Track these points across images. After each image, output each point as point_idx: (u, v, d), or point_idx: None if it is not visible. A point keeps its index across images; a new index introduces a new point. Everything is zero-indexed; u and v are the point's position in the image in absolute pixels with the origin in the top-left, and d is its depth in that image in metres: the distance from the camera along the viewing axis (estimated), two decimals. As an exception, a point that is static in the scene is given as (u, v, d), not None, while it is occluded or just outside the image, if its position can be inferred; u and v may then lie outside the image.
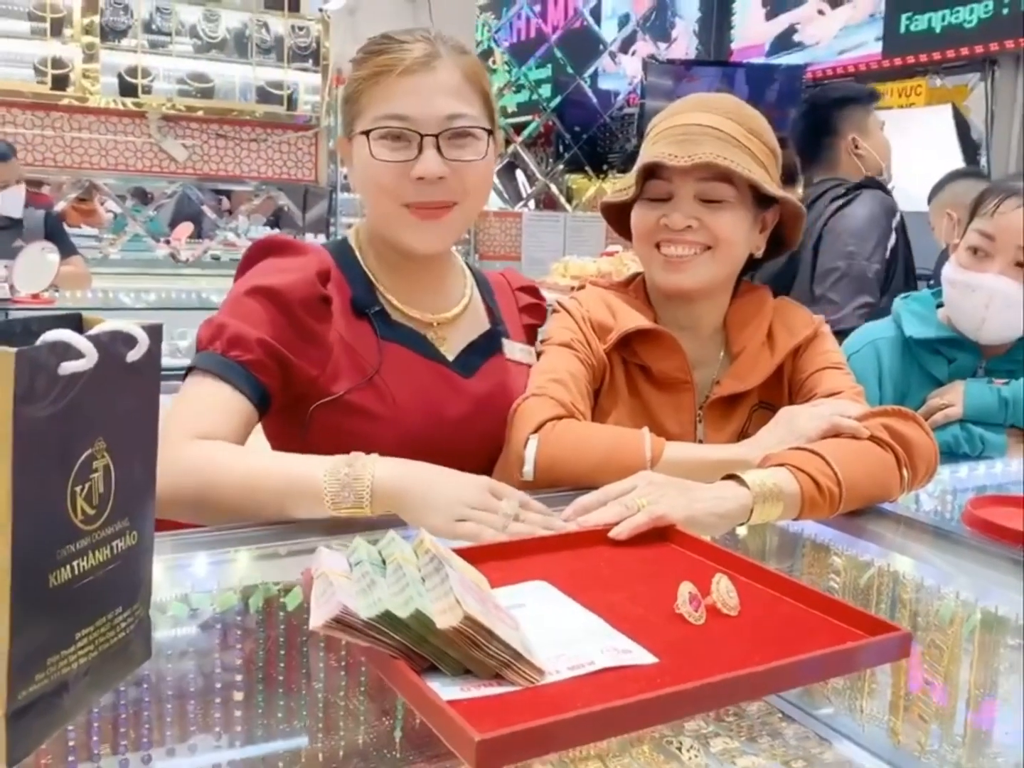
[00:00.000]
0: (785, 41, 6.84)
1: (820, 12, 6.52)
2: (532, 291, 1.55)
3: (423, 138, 1.23)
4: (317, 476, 1.04)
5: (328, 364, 1.24)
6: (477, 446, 1.32)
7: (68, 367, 0.55)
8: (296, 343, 1.22)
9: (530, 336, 1.51)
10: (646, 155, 1.35)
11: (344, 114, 1.32)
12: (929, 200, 3.73)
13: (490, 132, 1.29)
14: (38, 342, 0.54)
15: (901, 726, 1.07)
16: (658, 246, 1.38)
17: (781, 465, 1.14)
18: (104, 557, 0.61)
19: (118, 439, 0.61)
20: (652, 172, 1.35)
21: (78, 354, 0.55)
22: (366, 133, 1.24)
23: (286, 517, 1.07)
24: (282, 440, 1.30)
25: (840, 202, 2.52)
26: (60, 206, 5.39)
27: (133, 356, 0.61)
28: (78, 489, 0.58)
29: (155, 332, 0.63)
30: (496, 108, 1.34)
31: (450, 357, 1.34)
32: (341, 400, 1.24)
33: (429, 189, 1.24)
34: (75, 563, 0.58)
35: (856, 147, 2.62)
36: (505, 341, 1.42)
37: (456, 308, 1.38)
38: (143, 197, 6.20)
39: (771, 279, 1.61)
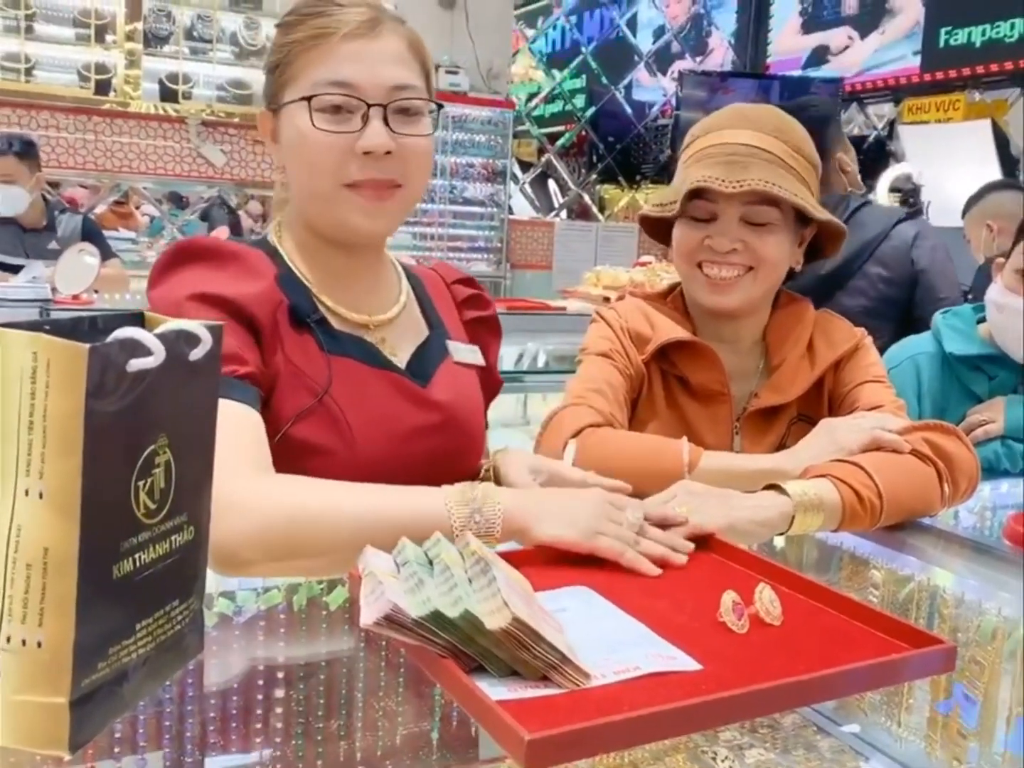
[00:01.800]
0: (822, 55, 6.82)
1: (849, 38, 6.50)
2: (469, 283, 1.39)
3: (369, 108, 1.09)
4: (439, 505, 0.96)
5: (276, 390, 1.08)
6: (444, 463, 1.18)
7: (136, 364, 0.56)
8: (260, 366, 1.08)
9: (476, 332, 1.36)
10: (691, 175, 1.35)
11: (269, 84, 1.17)
12: (964, 212, 3.69)
13: (439, 107, 1.18)
14: (109, 339, 0.56)
15: (938, 743, 1.07)
16: (699, 265, 1.38)
17: (823, 476, 1.14)
18: (163, 551, 0.62)
19: (179, 436, 0.63)
20: (697, 192, 1.35)
21: (147, 351, 0.57)
22: (307, 99, 1.09)
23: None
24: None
25: (917, 227, 2.48)
26: (99, 209, 5.48)
27: (196, 355, 0.63)
28: (141, 484, 0.59)
29: (217, 332, 0.65)
30: (433, 83, 1.21)
31: (400, 365, 1.20)
32: (287, 436, 1.08)
33: (375, 165, 1.10)
34: (137, 556, 0.60)
35: (844, 165, 2.60)
36: (448, 343, 1.28)
37: (394, 308, 1.23)
38: (177, 201, 6.29)
39: (810, 292, 1.60)
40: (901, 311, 2.39)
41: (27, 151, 3.90)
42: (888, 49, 6.34)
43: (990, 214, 3.38)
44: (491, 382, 1.37)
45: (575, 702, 0.65)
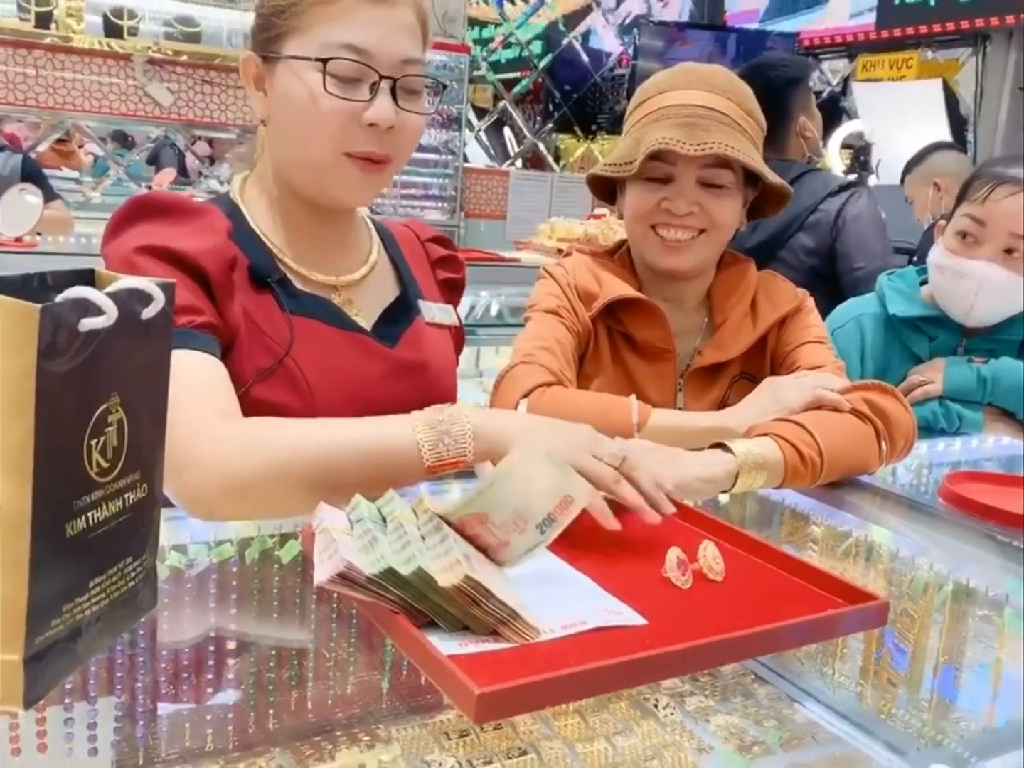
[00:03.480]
0: (781, 6, 6.80)
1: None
2: (443, 242, 1.38)
3: (380, 80, 1.07)
4: (407, 430, 0.95)
5: (234, 348, 1.07)
6: None
7: (88, 323, 0.56)
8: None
9: (447, 292, 1.35)
10: (649, 136, 1.35)
11: (263, 28, 1.11)
12: (905, 174, 3.73)
13: (443, 87, 1.17)
14: (60, 298, 0.55)
15: (869, 690, 1.11)
16: (653, 227, 1.39)
17: (766, 435, 1.17)
18: (116, 509, 0.62)
19: (132, 394, 0.63)
20: (654, 153, 1.36)
21: (99, 311, 0.56)
22: (322, 61, 1.05)
23: (371, 485, 0.92)
24: None
25: (844, 198, 2.48)
26: (41, 147, 5.31)
27: (148, 313, 0.62)
28: (94, 443, 0.59)
29: (169, 289, 0.65)
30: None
31: (366, 326, 1.18)
32: (247, 395, 1.06)
33: (376, 138, 1.08)
34: (90, 514, 0.60)
35: (804, 130, 2.61)
36: (421, 303, 1.26)
37: (363, 268, 1.22)
38: (124, 141, 6.11)
39: (753, 252, 1.62)
40: (828, 282, 2.42)
41: None
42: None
43: (937, 173, 3.43)
44: (459, 338, 1.37)
45: (524, 656, 0.67)
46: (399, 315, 1.23)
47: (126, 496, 0.63)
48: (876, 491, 1.25)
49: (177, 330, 0.96)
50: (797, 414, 1.23)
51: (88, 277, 0.66)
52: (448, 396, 1.26)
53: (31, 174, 3.88)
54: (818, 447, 1.16)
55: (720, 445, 1.13)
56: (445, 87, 1.17)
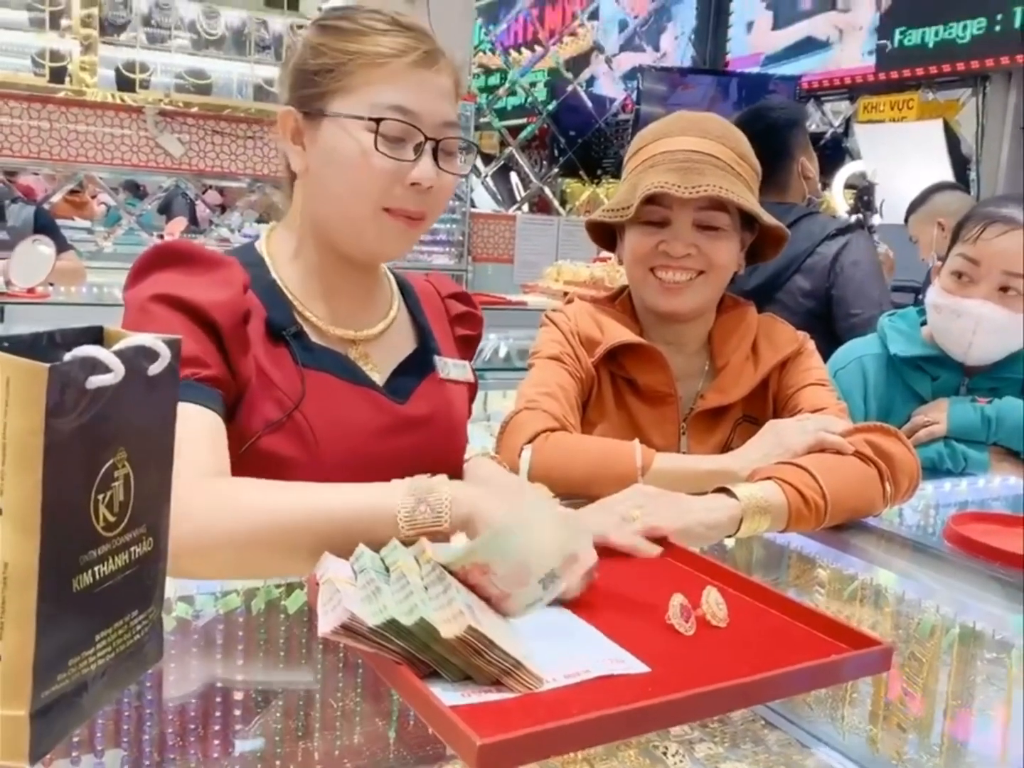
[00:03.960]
0: (784, 52, 6.88)
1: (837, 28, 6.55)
2: (464, 298, 1.39)
3: (426, 141, 1.11)
4: (387, 497, 0.95)
5: (244, 400, 1.07)
6: None
7: (96, 381, 0.57)
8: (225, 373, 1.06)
9: (463, 349, 1.36)
10: (645, 181, 1.38)
11: (306, 84, 1.13)
12: (909, 214, 3.76)
13: (477, 150, 1.22)
14: (68, 357, 0.57)
15: (880, 735, 1.10)
16: (652, 270, 1.41)
17: (769, 478, 1.17)
18: (122, 563, 0.63)
19: (138, 449, 0.64)
20: (651, 198, 1.38)
21: (106, 369, 0.58)
22: (375, 120, 1.08)
23: (347, 550, 0.91)
24: None
25: (842, 243, 2.49)
26: (55, 198, 5.39)
27: (154, 370, 0.64)
28: (100, 497, 0.60)
29: (175, 346, 0.66)
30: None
31: (379, 380, 1.19)
32: (254, 447, 1.07)
33: (415, 197, 1.12)
34: (96, 568, 0.60)
35: (806, 170, 2.63)
36: (437, 359, 1.27)
37: (382, 323, 1.23)
38: (135, 190, 6.20)
39: (751, 295, 1.63)
40: (825, 325, 2.42)
41: None
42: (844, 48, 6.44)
43: (940, 213, 3.46)
44: (472, 389, 1.37)
45: (527, 706, 0.67)
46: (414, 370, 1.23)
47: (132, 550, 0.64)
48: (882, 533, 1.25)
49: (185, 382, 0.97)
50: (800, 457, 1.23)
51: (96, 335, 0.67)
52: (457, 452, 1.27)
53: (44, 225, 3.93)
54: (821, 490, 1.17)
55: (723, 490, 1.13)
56: (477, 148, 1.20)
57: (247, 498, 0.95)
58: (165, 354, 0.64)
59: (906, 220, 3.76)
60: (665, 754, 1.02)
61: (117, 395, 0.60)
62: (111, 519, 0.62)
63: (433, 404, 1.22)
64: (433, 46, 1.13)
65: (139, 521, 0.65)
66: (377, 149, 1.09)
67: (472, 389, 1.36)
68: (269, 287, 1.15)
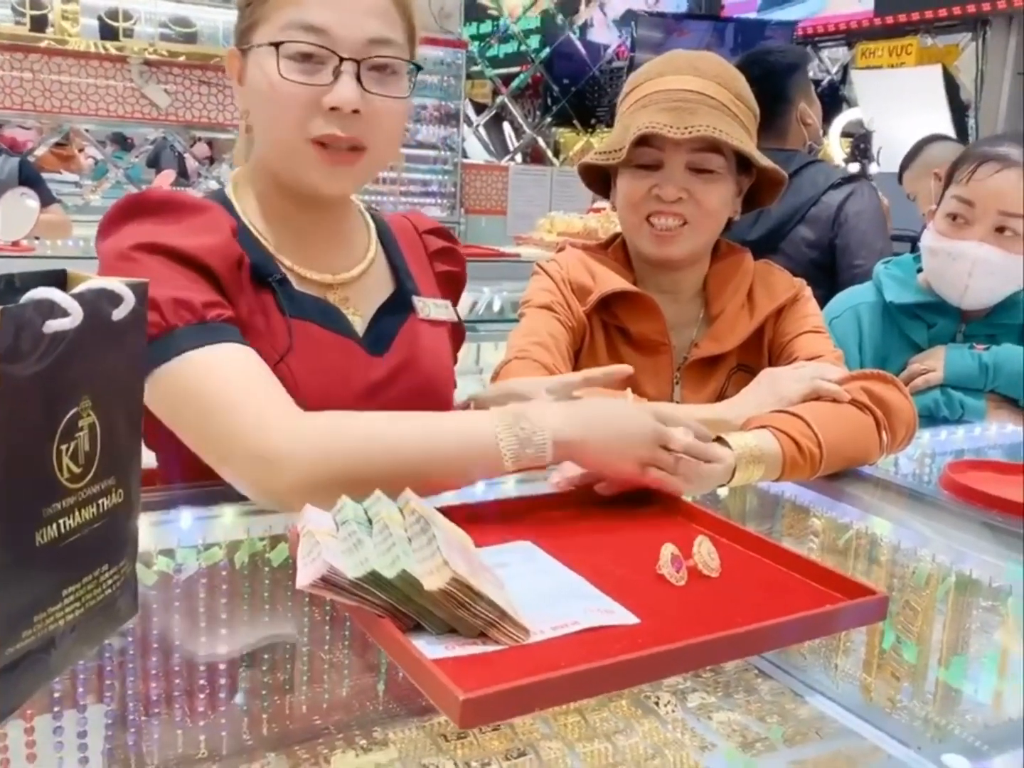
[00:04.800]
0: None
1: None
2: (442, 233, 1.34)
3: (342, 61, 1.03)
4: (489, 435, 0.93)
5: None
6: None
7: (53, 325, 0.55)
8: None
9: (445, 286, 1.31)
10: (636, 121, 1.33)
11: (239, 21, 1.10)
12: (902, 170, 3.71)
13: (417, 69, 1.12)
14: (23, 299, 0.54)
15: (874, 683, 1.10)
16: (648, 217, 1.38)
17: (763, 427, 1.15)
18: (90, 515, 0.61)
19: (104, 398, 0.61)
20: (642, 139, 1.34)
21: (63, 312, 0.55)
22: (275, 45, 1.02)
23: (452, 483, 0.96)
24: (162, 442, 1.04)
25: (846, 192, 2.45)
26: (40, 151, 5.30)
27: (119, 314, 0.61)
28: (64, 448, 0.58)
29: (141, 290, 0.63)
30: (417, 43, 1.14)
31: (359, 328, 1.15)
32: None
33: (340, 123, 1.04)
34: (61, 521, 0.58)
35: (805, 116, 2.57)
36: (416, 300, 1.22)
37: (360, 265, 1.18)
38: (123, 143, 6.10)
39: (754, 245, 1.59)
40: (828, 275, 2.39)
41: None
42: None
43: (934, 164, 3.40)
44: (458, 333, 1.34)
45: (512, 659, 0.66)
46: (393, 314, 1.19)
47: (100, 502, 0.62)
48: (877, 482, 1.23)
49: (212, 324, 0.97)
50: (795, 405, 1.21)
51: (59, 278, 0.64)
52: (443, 397, 1.24)
53: (28, 177, 3.87)
54: (817, 439, 1.15)
55: (717, 439, 1.11)
56: (420, 68, 1.14)
57: (352, 431, 0.93)
58: (129, 298, 0.61)
59: (900, 178, 3.71)
60: (657, 704, 1.01)
61: (78, 340, 0.57)
62: (76, 470, 0.59)
63: (413, 350, 1.18)
64: None
65: (107, 472, 0.62)
66: (281, 75, 1.02)
67: (457, 331, 1.33)
68: (245, 232, 1.10)
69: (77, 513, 0.60)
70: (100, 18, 5.20)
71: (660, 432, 0.98)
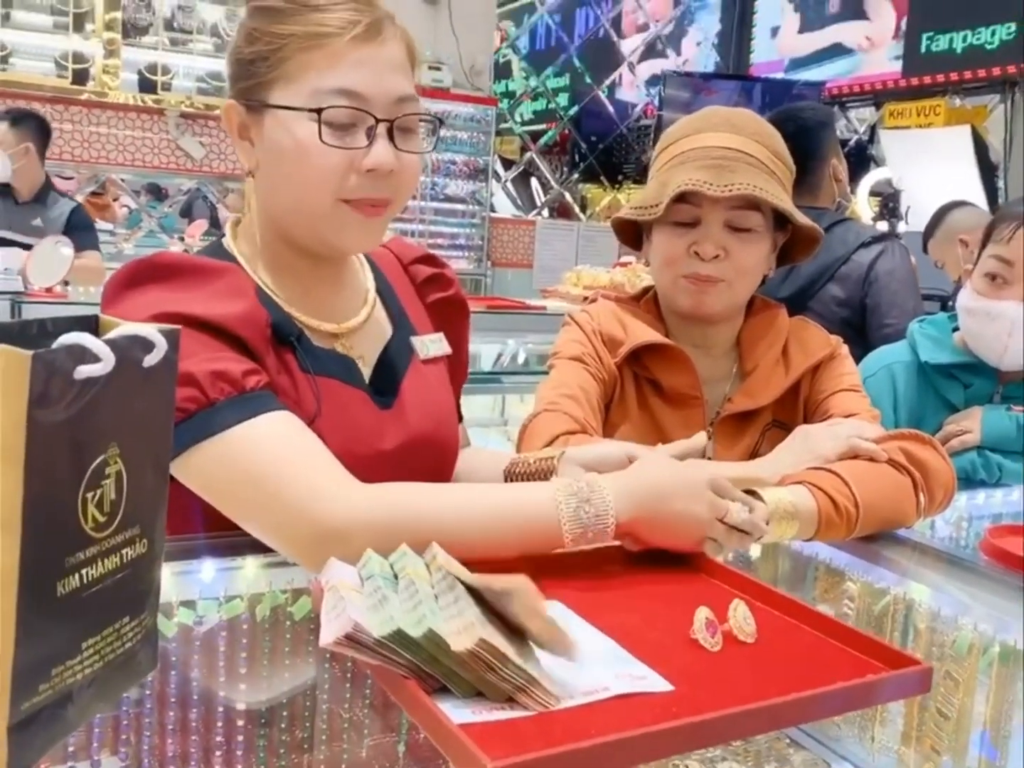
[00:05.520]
0: (806, 57, 6.83)
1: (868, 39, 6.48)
2: (429, 260, 1.29)
3: (377, 123, 1.02)
4: (553, 518, 0.91)
5: None
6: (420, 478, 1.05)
7: (84, 371, 0.54)
8: None
9: (438, 316, 1.26)
10: (675, 178, 1.33)
11: (244, 76, 1.05)
12: (927, 239, 3.70)
13: (440, 123, 1.12)
14: (55, 344, 0.53)
15: (912, 756, 1.06)
16: (684, 276, 1.36)
17: (799, 483, 1.12)
18: (113, 565, 0.59)
19: (132, 445, 0.60)
20: (681, 196, 1.33)
21: (95, 358, 0.54)
22: (316, 111, 1.00)
23: (509, 556, 0.92)
24: (180, 510, 0.96)
25: (877, 251, 2.44)
26: (77, 199, 5.41)
27: (150, 361, 0.60)
28: (89, 496, 0.56)
29: (173, 337, 0.62)
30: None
31: (367, 375, 1.13)
32: None
33: (375, 184, 1.03)
34: (84, 571, 0.57)
35: (837, 172, 2.57)
36: (415, 341, 1.19)
37: (364, 309, 1.16)
38: (158, 193, 6.22)
39: (783, 303, 1.58)
40: (859, 334, 2.37)
41: (21, 120, 3.90)
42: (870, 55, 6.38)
43: (959, 230, 3.39)
44: (459, 369, 1.31)
45: (541, 726, 0.63)
46: (397, 357, 1.17)
47: (124, 552, 0.60)
48: (914, 545, 1.20)
49: (253, 394, 0.94)
50: (832, 463, 1.18)
51: (91, 324, 0.64)
52: (449, 442, 1.22)
53: (77, 224, 3.94)
54: (854, 497, 1.12)
55: (751, 492, 1.08)
56: (442, 123, 1.13)
57: (413, 504, 0.91)
58: (161, 344, 0.60)
59: (925, 247, 3.70)
60: (686, 773, 0.98)
61: (109, 387, 0.56)
62: (101, 519, 0.58)
63: (420, 396, 1.16)
64: (376, 15, 1.03)
65: (132, 522, 0.61)
66: (323, 141, 1.00)
67: (455, 368, 1.29)
68: (260, 291, 1.07)
69: (100, 563, 0.58)
70: (140, 72, 5.35)
71: (718, 507, 0.96)
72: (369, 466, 1.02)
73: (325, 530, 0.87)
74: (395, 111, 1.03)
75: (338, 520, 0.87)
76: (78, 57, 5.19)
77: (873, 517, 1.14)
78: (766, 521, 1.04)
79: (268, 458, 0.91)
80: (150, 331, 0.60)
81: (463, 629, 0.64)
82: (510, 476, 1.19)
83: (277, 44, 1.01)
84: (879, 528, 1.18)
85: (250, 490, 0.91)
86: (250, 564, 0.96)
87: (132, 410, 0.60)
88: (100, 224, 5.83)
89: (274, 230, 1.10)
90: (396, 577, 0.75)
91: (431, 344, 1.22)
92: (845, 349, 1.46)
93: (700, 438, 1.06)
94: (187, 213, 6.55)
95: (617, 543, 0.97)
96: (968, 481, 1.66)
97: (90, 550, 0.57)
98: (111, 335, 0.57)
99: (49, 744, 0.58)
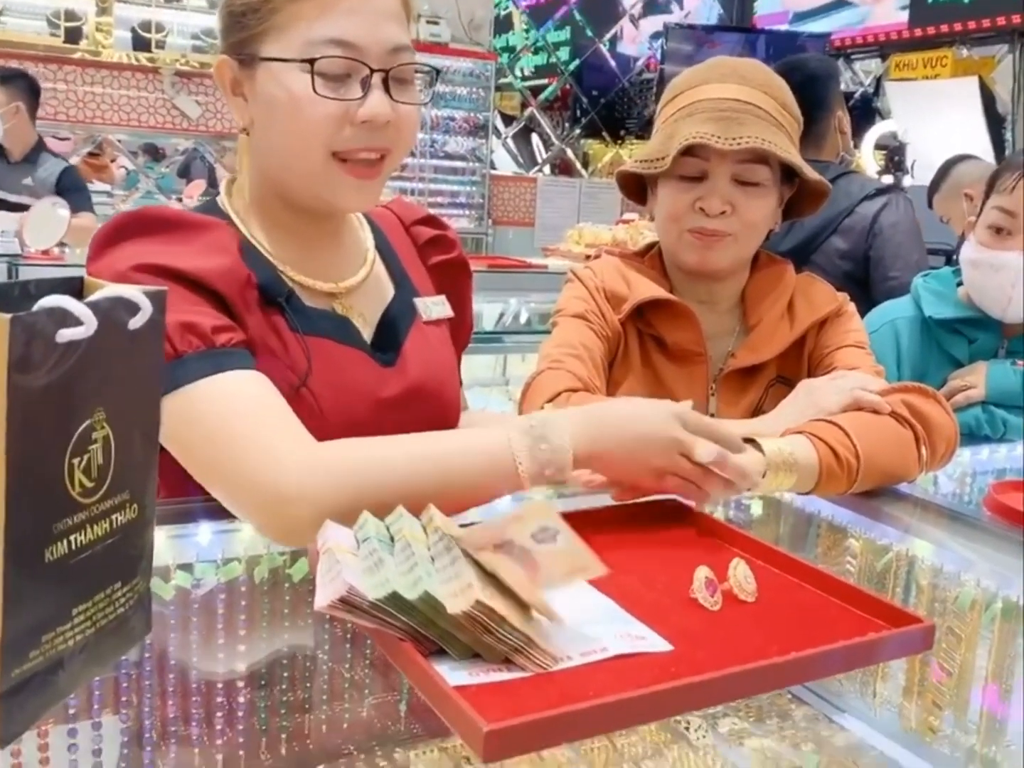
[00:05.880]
0: (812, 10, 6.71)
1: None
2: (431, 222, 1.27)
3: (372, 74, 0.99)
4: (507, 458, 0.89)
5: None
6: None
7: (66, 334, 0.52)
8: None
9: (441, 278, 1.25)
10: (682, 131, 1.30)
11: (235, 29, 1.02)
12: (931, 194, 3.65)
13: (437, 73, 1.10)
14: (35, 308, 0.52)
15: (914, 711, 1.06)
16: (689, 231, 1.34)
17: (800, 433, 1.11)
18: (103, 531, 0.59)
19: (119, 409, 0.59)
20: (687, 149, 1.30)
21: (76, 321, 0.53)
22: (308, 61, 0.97)
23: (469, 506, 0.92)
24: (170, 476, 0.96)
25: (881, 203, 2.41)
26: (73, 160, 5.36)
27: (135, 323, 0.59)
28: (76, 461, 0.56)
29: (159, 298, 0.61)
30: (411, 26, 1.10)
31: (367, 336, 1.12)
32: None
33: (369, 135, 1.01)
34: (72, 537, 0.56)
35: (842, 124, 2.52)
36: (417, 302, 1.18)
37: (362, 270, 1.14)
38: (155, 153, 6.16)
39: (786, 256, 1.55)
40: (862, 288, 2.34)
41: (10, 80, 3.87)
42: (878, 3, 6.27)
43: (964, 184, 3.35)
44: (462, 331, 1.30)
45: (539, 687, 0.63)
46: (399, 318, 1.15)
47: (114, 517, 0.60)
48: (917, 501, 1.19)
49: (222, 350, 0.93)
50: (834, 415, 1.17)
51: (76, 285, 0.63)
52: (451, 402, 1.21)
53: (68, 185, 3.91)
54: (855, 449, 1.10)
55: (751, 441, 1.07)
56: (439, 73, 1.11)
57: (363, 460, 0.89)
58: (146, 307, 0.59)
59: (930, 202, 3.65)
60: (687, 729, 0.98)
61: (93, 350, 0.55)
62: (89, 484, 0.57)
63: (424, 357, 1.15)
64: None
65: (121, 487, 0.60)
66: (316, 92, 0.98)
67: (458, 329, 1.28)
68: (249, 248, 1.05)
69: (89, 529, 0.57)
70: (133, 30, 5.27)
71: (680, 440, 0.93)
72: (367, 423, 1.02)
73: (277, 491, 0.85)
74: (390, 61, 1.01)
75: (291, 481, 0.85)
76: (70, 15, 5.11)
77: (874, 470, 1.13)
78: (763, 473, 1.03)
79: (229, 414, 0.90)
80: (134, 293, 0.58)
81: (460, 591, 0.64)
82: None
83: None
84: (880, 482, 1.17)
85: (208, 448, 0.90)
86: (247, 526, 0.95)
87: (118, 374, 0.59)
88: (98, 185, 5.79)
89: (269, 187, 1.08)
90: (392, 539, 0.74)
91: (433, 306, 1.20)
92: (852, 307, 1.44)
93: (687, 402, 1.02)
94: (185, 173, 6.50)
95: (612, 504, 0.96)
96: (972, 436, 1.65)
97: (78, 516, 0.56)
98: (94, 297, 0.56)
99: (40, 711, 0.57)
